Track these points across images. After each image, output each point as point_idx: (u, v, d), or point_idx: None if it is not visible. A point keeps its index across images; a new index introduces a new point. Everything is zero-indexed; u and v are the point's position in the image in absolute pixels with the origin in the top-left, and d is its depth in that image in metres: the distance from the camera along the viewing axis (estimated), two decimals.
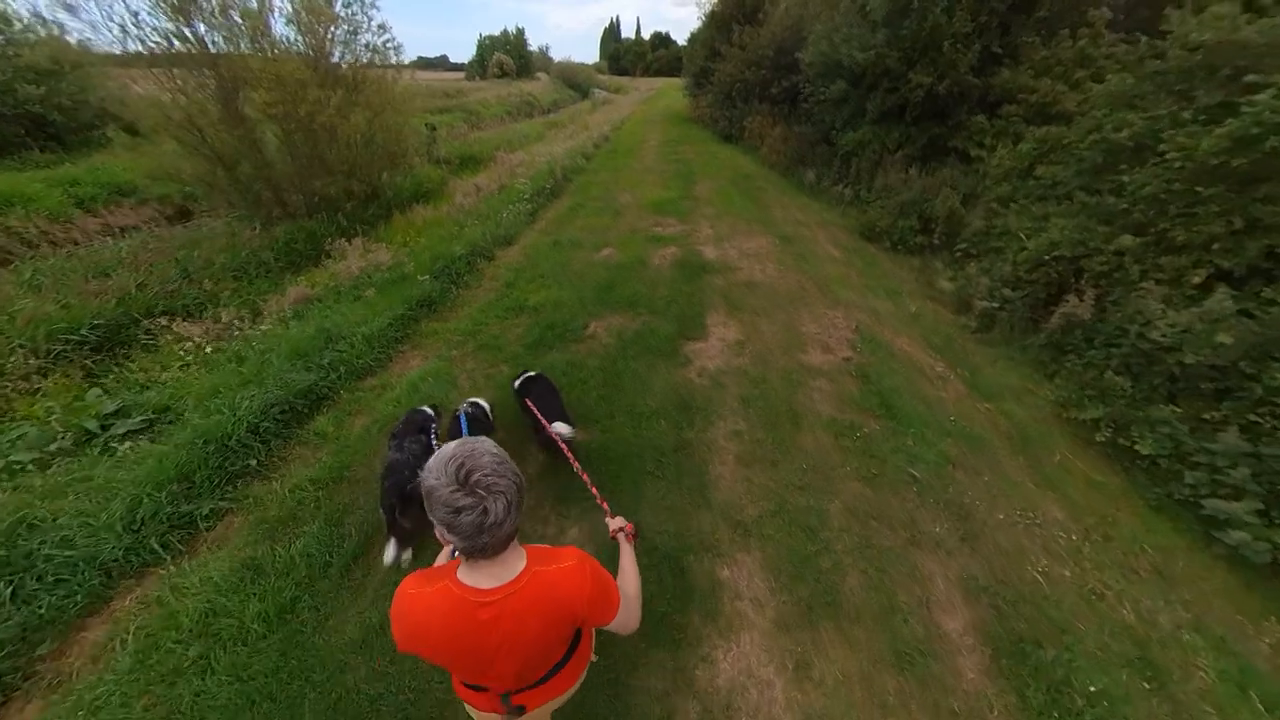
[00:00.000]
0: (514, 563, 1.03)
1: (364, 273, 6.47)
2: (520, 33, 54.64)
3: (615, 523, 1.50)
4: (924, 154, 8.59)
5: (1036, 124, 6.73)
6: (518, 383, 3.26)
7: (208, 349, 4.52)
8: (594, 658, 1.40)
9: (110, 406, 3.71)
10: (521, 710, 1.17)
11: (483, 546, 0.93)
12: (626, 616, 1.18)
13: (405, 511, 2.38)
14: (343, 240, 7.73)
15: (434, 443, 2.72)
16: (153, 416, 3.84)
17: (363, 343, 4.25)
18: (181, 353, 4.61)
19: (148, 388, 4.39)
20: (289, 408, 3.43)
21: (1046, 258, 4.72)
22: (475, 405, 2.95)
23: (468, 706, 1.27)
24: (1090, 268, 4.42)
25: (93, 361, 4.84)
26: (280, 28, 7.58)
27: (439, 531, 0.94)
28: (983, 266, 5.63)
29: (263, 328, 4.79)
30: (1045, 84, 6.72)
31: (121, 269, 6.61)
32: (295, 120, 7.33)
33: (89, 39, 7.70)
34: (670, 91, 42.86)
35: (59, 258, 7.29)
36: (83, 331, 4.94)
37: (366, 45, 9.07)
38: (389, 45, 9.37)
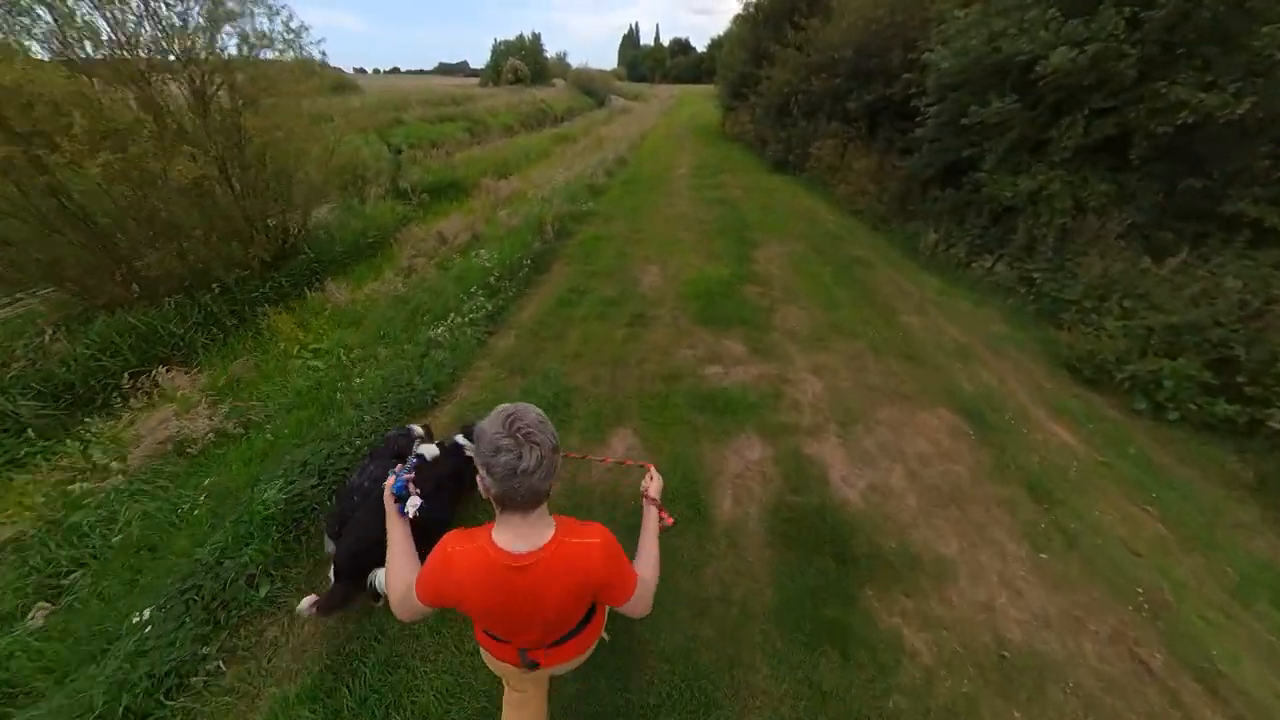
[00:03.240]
0: (543, 529, 1.07)
1: (137, 478, 3.21)
2: (536, 38, 52.30)
3: (654, 487, 1.36)
4: (1156, 221, 5.10)
5: None
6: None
7: None
8: (605, 637, 1.51)
9: None
10: (535, 665, 1.24)
11: (512, 491, 0.98)
12: (639, 601, 1.17)
13: (338, 534, 2.12)
14: (163, 368, 4.48)
15: (405, 474, 1.76)
16: None
17: None
18: None
19: None
20: None
21: None
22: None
23: (484, 653, 1.33)
24: None
25: None
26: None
27: (479, 478, 1.02)
28: None
29: None
30: None
31: None
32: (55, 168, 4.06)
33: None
34: (693, 100, 39.70)
35: None
36: None
37: (257, 36, 5.87)
38: (292, 36, 6.14)
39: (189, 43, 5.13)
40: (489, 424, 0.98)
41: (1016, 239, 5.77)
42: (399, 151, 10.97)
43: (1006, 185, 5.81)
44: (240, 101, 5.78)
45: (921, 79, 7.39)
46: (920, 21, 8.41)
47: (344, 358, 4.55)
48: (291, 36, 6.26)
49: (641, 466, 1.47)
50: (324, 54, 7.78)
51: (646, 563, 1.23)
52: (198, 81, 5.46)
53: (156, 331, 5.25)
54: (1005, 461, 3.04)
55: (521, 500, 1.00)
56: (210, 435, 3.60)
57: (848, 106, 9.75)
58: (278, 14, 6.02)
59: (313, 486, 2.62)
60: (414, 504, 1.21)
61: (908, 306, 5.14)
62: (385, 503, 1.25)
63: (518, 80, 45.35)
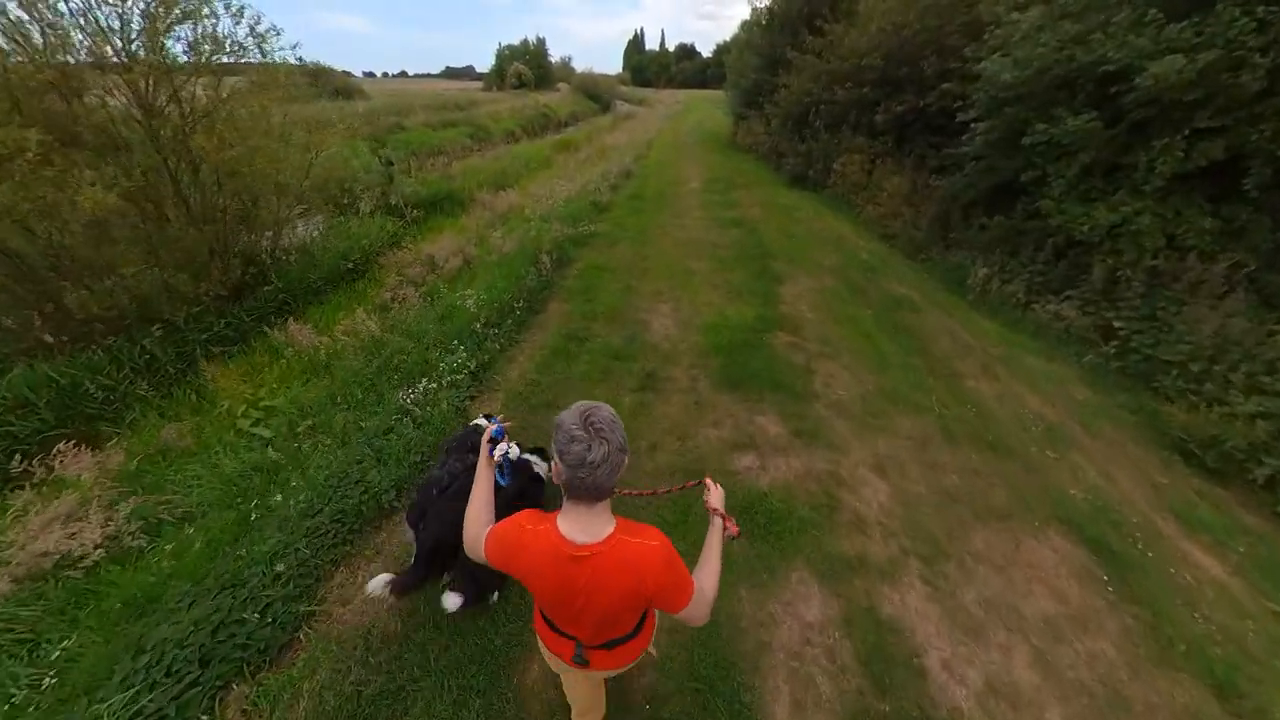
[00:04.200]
0: (604, 524, 1.09)
1: None
2: (540, 43, 51.78)
3: (715, 497, 1.40)
4: (1269, 263, 4.26)
5: None
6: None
7: None
8: (652, 651, 1.62)
9: None
10: (586, 662, 1.26)
11: (579, 481, 1.02)
12: (696, 609, 1.16)
13: (422, 524, 2.19)
14: (69, 442, 3.69)
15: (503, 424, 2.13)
16: None
17: None
18: None
19: None
20: None
21: None
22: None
23: (540, 645, 1.39)
24: None
25: None
26: None
27: (554, 463, 1.06)
28: None
29: None
30: None
31: None
32: None
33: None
34: (700, 105, 39.06)
35: None
36: None
37: (211, 40, 5.11)
38: (257, 39, 5.38)
39: (119, 45, 4.36)
40: (568, 416, 1.03)
41: (1091, 280, 4.94)
42: (390, 163, 10.20)
43: (1078, 216, 4.98)
44: (191, 114, 5.03)
45: (963, 89, 6.59)
46: (958, 26, 7.64)
47: (294, 427, 3.77)
48: (256, 40, 5.51)
49: (699, 483, 1.47)
50: (301, 59, 7.09)
51: (706, 572, 1.23)
52: (142, 90, 4.72)
53: (82, 385, 4.45)
54: (1164, 632, 2.20)
55: (586, 491, 1.03)
56: (101, 551, 2.80)
57: (875, 119, 8.95)
58: (241, 15, 5.26)
59: (189, 687, 1.80)
60: (500, 450, 1.32)
61: (971, 366, 4.30)
62: (481, 447, 1.35)
63: (521, 85, 44.76)
